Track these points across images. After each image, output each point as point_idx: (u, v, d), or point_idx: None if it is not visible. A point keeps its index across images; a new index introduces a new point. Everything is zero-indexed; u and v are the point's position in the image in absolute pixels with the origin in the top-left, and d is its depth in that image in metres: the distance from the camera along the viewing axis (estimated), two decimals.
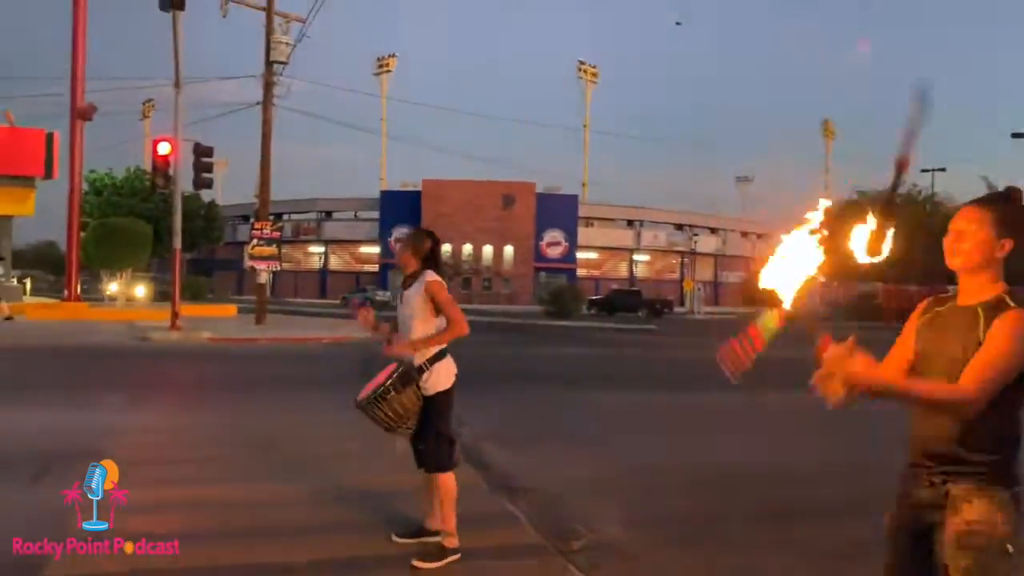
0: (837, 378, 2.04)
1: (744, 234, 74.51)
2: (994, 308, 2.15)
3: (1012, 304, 2.14)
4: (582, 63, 72.95)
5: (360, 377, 13.51)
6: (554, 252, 61.87)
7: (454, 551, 4.19)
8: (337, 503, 5.32)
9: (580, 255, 63.19)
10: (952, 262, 2.24)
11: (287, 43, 22.30)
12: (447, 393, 4.28)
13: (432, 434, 4.24)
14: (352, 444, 7.19)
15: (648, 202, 68.86)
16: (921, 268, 42.74)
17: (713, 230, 70.96)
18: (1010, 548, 2.08)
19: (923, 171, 49.46)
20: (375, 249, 63.26)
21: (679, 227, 68.47)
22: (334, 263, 67.43)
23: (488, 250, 59.82)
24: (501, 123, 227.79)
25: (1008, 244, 2.17)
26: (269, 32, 22.53)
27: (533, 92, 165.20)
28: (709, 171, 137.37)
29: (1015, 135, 38.65)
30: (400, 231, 61.41)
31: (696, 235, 67.07)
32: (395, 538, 4.49)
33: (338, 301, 53.83)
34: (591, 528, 4.92)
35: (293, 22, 22.68)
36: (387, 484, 5.71)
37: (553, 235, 61.72)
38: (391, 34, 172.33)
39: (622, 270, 66.52)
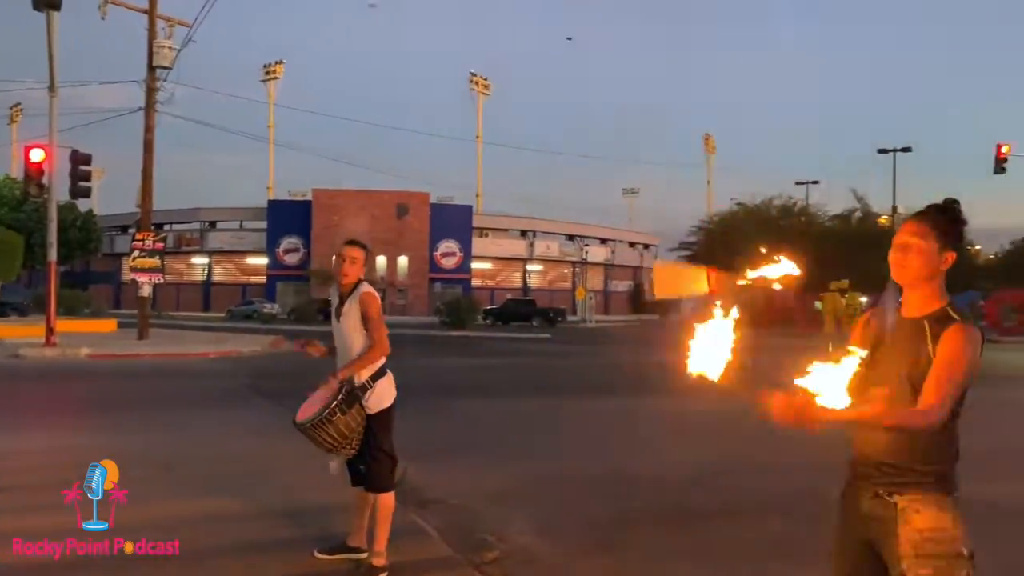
0: (795, 420, 2.04)
1: (632, 244, 76.58)
2: (940, 321, 2.18)
3: (956, 317, 2.18)
4: (474, 75, 73.35)
5: (253, 393, 13.21)
6: (449, 262, 61.82)
7: (382, 570, 4.16)
8: (256, 521, 5.16)
9: (475, 265, 63.37)
10: (899, 276, 2.26)
11: (171, 48, 21.47)
12: (389, 410, 4.25)
13: (375, 453, 4.19)
14: (263, 462, 7.03)
15: (540, 213, 69.90)
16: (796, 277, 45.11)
17: (603, 240, 72.59)
18: (965, 551, 2.11)
19: (797, 184, 52.21)
20: (262, 260, 61.53)
21: (571, 238, 69.69)
22: (219, 275, 65.17)
23: (382, 260, 59.14)
24: (394, 133, 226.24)
25: (951, 257, 2.22)
26: (152, 36, 21.64)
27: (427, 102, 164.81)
28: (598, 183, 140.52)
29: (881, 151, 41.37)
30: (291, 241, 60.03)
31: (587, 245, 68.41)
32: (317, 554, 4.40)
33: (223, 314, 52.05)
34: (503, 538, 4.95)
35: (177, 26, 21.86)
36: (304, 501, 5.62)
37: (448, 245, 61.67)
38: (281, 41, 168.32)
39: (516, 280, 67.10)
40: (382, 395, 4.21)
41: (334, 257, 4.35)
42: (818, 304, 42.01)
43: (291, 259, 60.23)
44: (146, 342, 21.26)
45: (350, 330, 4.20)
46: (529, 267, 67.67)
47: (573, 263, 68.11)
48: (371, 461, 4.20)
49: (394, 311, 56.57)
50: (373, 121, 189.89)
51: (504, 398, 12.42)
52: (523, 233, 68.09)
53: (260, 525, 5.09)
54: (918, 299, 2.26)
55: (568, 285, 67.74)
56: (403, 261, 59.97)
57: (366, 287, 4.26)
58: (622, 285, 72.67)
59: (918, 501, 2.15)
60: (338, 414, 4.03)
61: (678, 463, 7.57)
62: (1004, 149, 28.79)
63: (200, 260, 64.95)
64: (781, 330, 41.22)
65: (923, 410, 2.08)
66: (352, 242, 4.41)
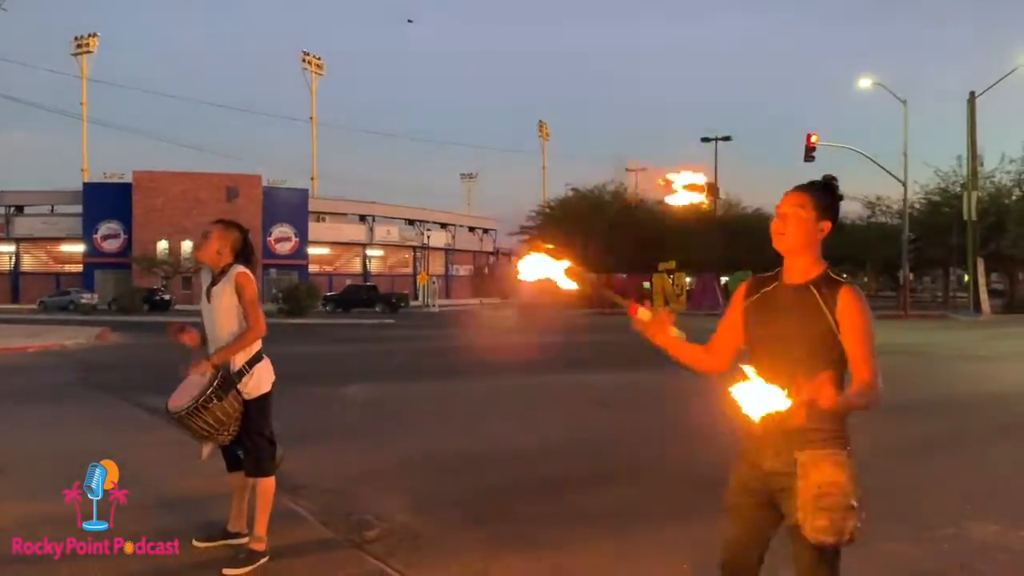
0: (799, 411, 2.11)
1: (471, 229, 77.32)
2: (826, 284, 2.34)
3: (841, 279, 2.36)
4: (307, 54, 71.14)
5: (86, 386, 12.44)
6: (283, 248, 59.96)
7: (263, 554, 4.09)
8: (128, 514, 4.88)
9: (311, 251, 61.81)
10: (778, 243, 2.40)
11: None
12: (268, 395, 4.18)
13: (255, 438, 4.12)
14: (116, 455, 6.62)
15: (379, 197, 69.04)
16: (626, 258, 47.45)
17: (443, 225, 72.81)
18: (854, 503, 2.26)
19: (628, 170, 54.61)
20: (78, 247, 57.20)
21: (411, 222, 69.40)
22: (28, 263, 59.99)
23: None
24: (222, 113, 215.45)
25: (827, 226, 2.38)
26: None
27: (257, 82, 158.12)
28: (437, 167, 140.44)
29: (704, 139, 43.98)
30: (110, 226, 56.11)
31: (428, 230, 68.37)
32: (196, 543, 4.28)
33: (35, 306, 48.01)
34: (381, 518, 5.00)
35: None
36: (173, 491, 5.43)
37: (282, 230, 59.77)
38: (96, 12, 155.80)
39: (356, 265, 66.05)
40: (260, 380, 4.13)
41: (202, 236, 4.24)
42: (647, 284, 44.32)
43: (110, 245, 56.46)
44: None
45: (222, 313, 4.08)
46: (369, 252, 66.81)
47: (414, 248, 67.90)
48: (251, 446, 4.12)
49: None
50: (198, 98, 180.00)
51: (354, 383, 12.32)
52: (362, 218, 67.09)
53: (129, 518, 4.84)
54: (801, 266, 2.41)
55: (409, 270, 67.53)
56: None
57: (240, 268, 4.14)
58: (463, 269, 73.27)
59: (816, 456, 2.28)
60: (214, 401, 3.93)
61: (534, 436, 7.86)
62: (813, 139, 31.41)
63: (6, 248, 59.47)
64: (612, 309, 43.11)
65: (870, 388, 2.24)
66: (221, 222, 4.32)
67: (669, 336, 2.54)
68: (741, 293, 2.55)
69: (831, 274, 2.39)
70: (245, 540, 4.24)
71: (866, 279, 64.27)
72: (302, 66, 71.05)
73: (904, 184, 35.65)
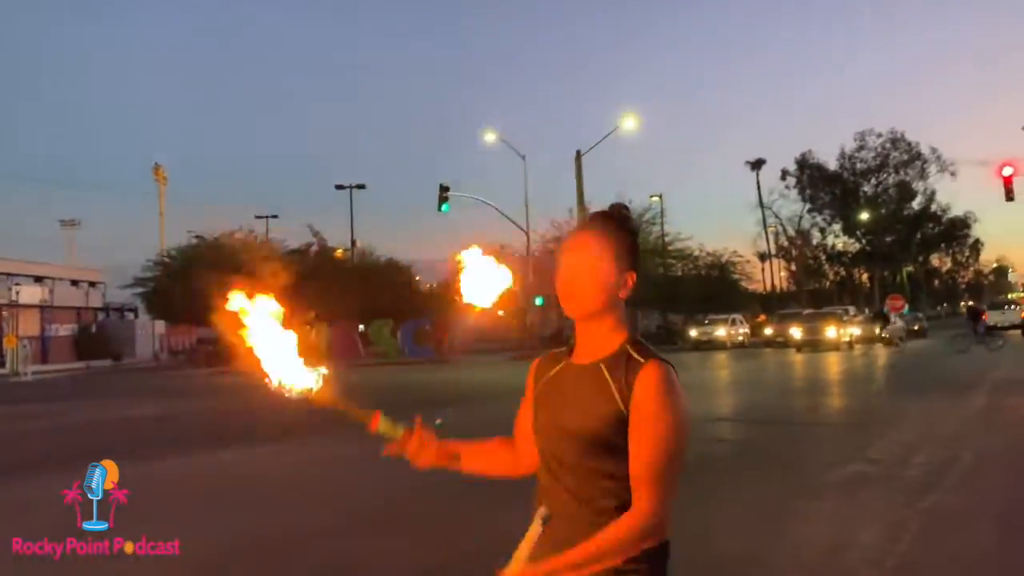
0: None
1: (75, 282, 68.32)
2: (619, 364, 1.72)
3: (641, 358, 1.70)
4: None
5: None
6: None
7: None
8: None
9: None
10: (570, 308, 1.75)
11: None
12: None
13: None
14: None
15: None
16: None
17: (38, 278, 63.16)
18: None
19: (257, 217, 52.23)
20: None
21: None
22: None
23: None
24: None
25: (632, 279, 1.76)
26: None
27: None
28: (30, 213, 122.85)
29: (338, 187, 43.49)
30: None
31: (17, 284, 58.72)
32: None
33: None
34: None
35: None
36: None
37: None
38: None
39: None
40: None
41: None
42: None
43: None
44: None
45: None
46: None
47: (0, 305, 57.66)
48: None
49: None
50: None
51: None
52: None
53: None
54: (593, 337, 1.79)
55: None
56: None
57: None
58: (64, 329, 63.86)
59: None
60: None
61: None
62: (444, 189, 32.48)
63: None
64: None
65: (640, 520, 1.63)
66: None
67: (439, 452, 1.99)
68: (532, 374, 1.95)
69: (628, 348, 1.76)
70: None
71: None
72: None
73: (527, 233, 38.40)
